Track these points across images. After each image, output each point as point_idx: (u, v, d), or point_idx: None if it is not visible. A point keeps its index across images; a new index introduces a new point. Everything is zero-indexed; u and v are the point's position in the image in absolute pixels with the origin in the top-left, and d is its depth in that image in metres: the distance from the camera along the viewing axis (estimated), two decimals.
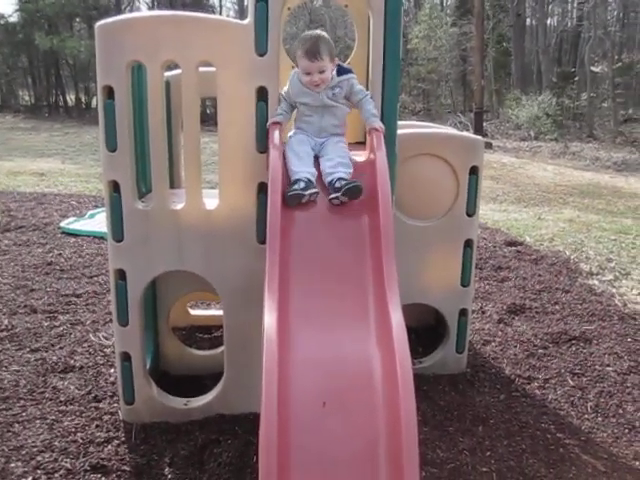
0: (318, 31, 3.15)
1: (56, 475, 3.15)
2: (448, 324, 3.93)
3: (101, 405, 3.67)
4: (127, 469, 3.17)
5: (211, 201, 3.28)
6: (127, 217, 3.23)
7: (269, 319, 2.50)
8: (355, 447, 2.36)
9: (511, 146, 19.96)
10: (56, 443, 3.37)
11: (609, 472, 3.31)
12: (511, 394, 3.94)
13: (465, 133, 4.29)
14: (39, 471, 3.18)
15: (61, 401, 3.74)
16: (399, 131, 3.30)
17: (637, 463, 3.41)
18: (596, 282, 5.97)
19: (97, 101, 3.19)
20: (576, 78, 28.03)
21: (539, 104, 24.50)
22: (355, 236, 2.80)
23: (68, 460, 3.24)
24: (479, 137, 3.98)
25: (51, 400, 3.75)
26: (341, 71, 3.14)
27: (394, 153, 3.22)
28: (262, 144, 3.14)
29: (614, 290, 5.81)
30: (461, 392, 3.87)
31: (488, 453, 3.37)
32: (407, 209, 3.76)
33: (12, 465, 3.22)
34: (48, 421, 3.56)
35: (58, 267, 5.99)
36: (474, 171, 3.79)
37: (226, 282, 3.31)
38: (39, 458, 3.26)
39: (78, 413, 3.61)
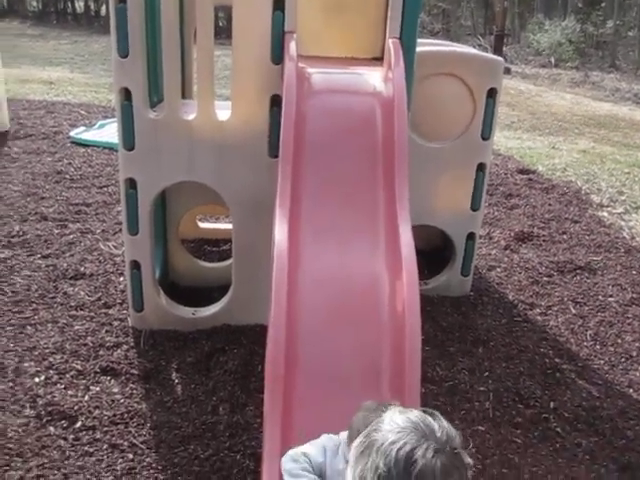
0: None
1: (67, 376, 3.26)
2: (455, 247, 3.95)
3: (111, 311, 3.76)
4: (135, 373, 3.27)
5: (223, 113, 3.24)
6: (138, 126, 3.20)
7: (280, 233, 2.52)
8: (360, 362, 2.42)
9: (530, 72, 19.45)
10: (67, 346, 3.47)
11: (603, 397, 3.40)
12: (513, 319, 4.00)
13: (485, 54, 4.17)
14: (51, 371, 3.29)
15: (72, 306, 3.82)
16: (417, 48, 3.21)
17: (631, 390, 3.49)
18: (606, 214, 5.95)
19: (107, 8, 3.10)
20: (603, 4, 26.97)
21: (562, 30, 23.67)
22: (369, 153, 2.77)
23: (79, 362, 3.35)
24: (499, 58, 3.87)
25: (62, 305, 3.84)
26: None
27: (412, 71, 3.14)
28: (277, 55, 3.06)
29: (623, 223, 5.79)
30: (464, 314, 3.94)
31: (486, 374, 3.46)
32: (421, 129, 3.70)
33: (25, 364, 3.33)
34: (59, 325, 3.65)
35: (68, 176, 5.99)
36: (492, 94, 3.70)
37: (236, 195, 3.32)
38: (51, 359, 3.37)
39: (88, 318, 3.70)
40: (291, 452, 1.99)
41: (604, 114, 12.51)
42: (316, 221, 2.62)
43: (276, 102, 3.10)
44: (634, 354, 3.81)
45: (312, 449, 1.99)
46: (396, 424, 1.39)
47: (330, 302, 2.48)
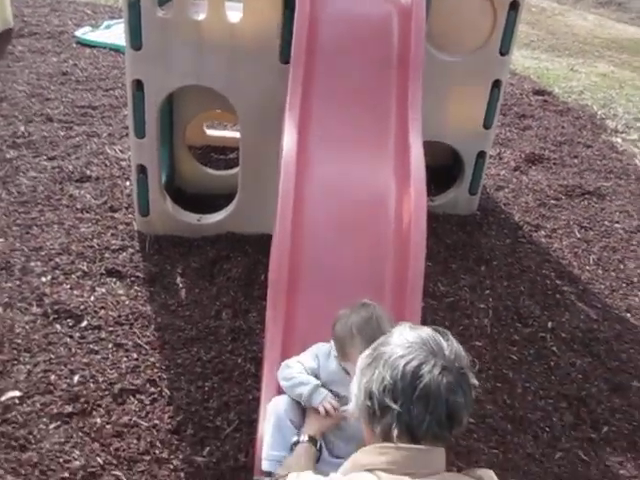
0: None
1: (73, 276, 3.30)
2: (464, 165, 3.90)
3: (116, 215, 3.76)
4: (141, 276, 3.31)
5: (235, 14, 3.12)
6: (146, 24, 3.09)
7: (288, 140, 2.48)
8: (363, 273, 2.43)
9: None
10: (73, 247, 3.50)
11: (600, 321, 3.45)
12: (517, 239, 4.00)
13: None
14: (57, 271, 3.33)
15: (77, 209, 3.83)
16: None
17: (629, 315, 3.53)
18: (619, 140, 5.83)
19: None
20: None
21: None
22: (384, 61, 2.68)
23: (85, 263, 3.39)
24: None
25: (68, 207, 3.84)
26: None
27: None
28: None
29: (636, 150, 5.69)
30: (468, 233, 3.93)
31: (487, 292, 3.49)
32: (438, 41, 3.57)
33: (32, 264, 3.37)
34: (65, 226, 3.67)
35: (73, 78, 5.86)
36: (514, 6, 3.55)
37: (245, 101, 3.25)
38: (57, 260, 3.41)
39: (94, 221, 3.72)
40: (285, 362, 2.09)
41: (627, 37, 12.08)
42: (326, 129, 2.57)
43: (289, 5, 2.98)
44: (635, 280, 3.83)
45: (304, 357, 2.10)
46: (405, 339, 1.39)
47: (336, 212, 2.47)
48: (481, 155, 3.89)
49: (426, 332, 1.41)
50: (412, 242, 2.30)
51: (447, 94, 3.68)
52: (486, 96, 3.72)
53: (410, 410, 1.31)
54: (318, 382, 1.99)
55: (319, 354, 2.08)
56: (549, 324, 3.35)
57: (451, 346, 1.39)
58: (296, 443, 1.90)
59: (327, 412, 1.92)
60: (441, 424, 1.33)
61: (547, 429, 2.78)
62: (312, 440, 1.90)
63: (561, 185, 4.72)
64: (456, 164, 4.11)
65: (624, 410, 2.91)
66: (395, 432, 1.32)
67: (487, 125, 3.80)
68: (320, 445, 1.94)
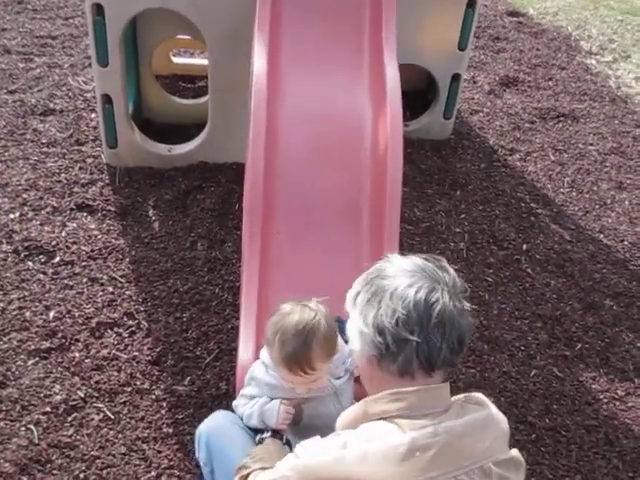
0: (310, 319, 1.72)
1: (42, 212, 3.22)
2: (439, 89, 3.83)
3: (83, 149, 3.65)
4: (112, 209, 3.24)
5: None
6: None
7: (259, 63, 2.39)
8: (339, 201, 2.40)
9: None
10: (40, 182, 3.40)
11: (574, 241, 3.49)
12: (492, 163, 3.98)
13: None
14: (26, 207, 3.24)
15: (43, 143, 3.70)
16: None
17: (602, 236, 3.57)
18: (594, 62, 5.77)
19: None
20: None
21: None
22: None
23: (53, 199, 3.30)
24: None
25: (32, 142, 3.71)
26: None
27: None
28: None
29: (610, 72, 5.63)
30: (443, 158, 3.90)
31: (463, 216, 3.49)
32: None
33: None
34: (31, 162, 3.55)
35: (30, 6, 5.56)
36: None
37: (212, 25, 3.11)
38: (25, 196, 3.31)
39: (60, 155, 3.60)
40: (233, 403, 1.94)
41: None
42: (297, 51, 2.49)
43: None
44: (608, 202, 3.85)
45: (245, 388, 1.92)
46: (404, 269, 1.36)
47: (311, 137, 2.42)
48: (456, 78, 3.81)
49: (421, 260, 1.38)
50: (389, 165, 2.27)
51: (421, 15, 3.56)
52: (461, 16, 3.61)
53: (428, 339, 1.28)
54: (259, 400, 1.83)
55: (254, 375, 1.88)
56: (524, 246, 3.37)
57: (449, 272, 1.37)
58: (261, 440, 1.78)
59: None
60: (454, 350, 1.32)
61: (522, 348, 2.84)
62: (276, 434, 1.79)
63: (535, 108, 4.68)
64: (430, 88, 4.03)
65: (597, 328, 2.98)
66: (415, 364, 1.29)
67: (462, 47, 3.70)
68: (287, 439, 1.81)
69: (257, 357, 1.97)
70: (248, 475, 1.56)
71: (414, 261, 1.38)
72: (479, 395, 1.43)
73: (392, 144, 2.29)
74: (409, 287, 1.31)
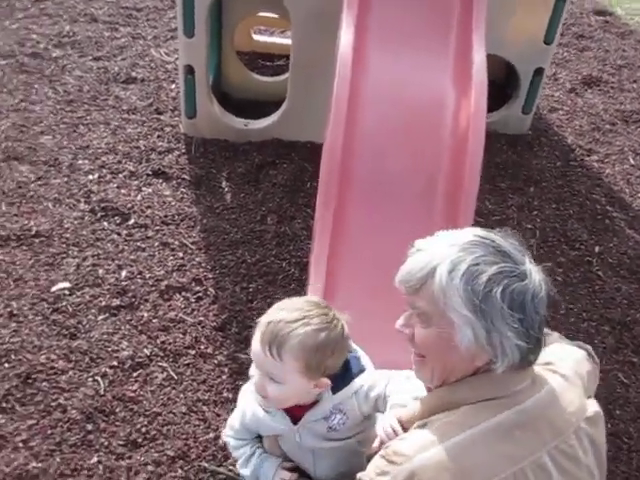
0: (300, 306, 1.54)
1: (120, 176, 3.32)
2: (520, 82, 3.75)
3: (162, 117, 3.73)
4: (186, 178, 3.31)
5: None
6: None
7: (345, 41, 2.39)
8: (416, 183, 2.38)
9: None
10: (119, 147, 3.50)
11: None
12: (568, 162, 3.88)
13: None
14: (104, 170, 3.35)
15: (124, 110, 3.80)
16: None
17: None
18: None
19: None
20: None
21: None
22: None
23: (131, 163, 3.39)
24: None
25: (114, 108, 3.82)
26: (344, 376, 1.60)
27: None
28: None
29: None
30: (519, 153, 3.83)
31: (535, 212, 3.42)
32: None
33: (79, 162, 3.39)
34: (111, 127, 3.66)
35: None
36: None
37: (299, 1, 3.12)
38: (104, 159, 3.42)
39: (140, 122, 3.70)
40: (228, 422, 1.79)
41: None
42: (384, 31, 2.47)
43: None
44: None
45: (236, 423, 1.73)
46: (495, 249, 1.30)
47: (391, 119, 2.40)
48: (539, 72, 3.72)
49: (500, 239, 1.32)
50: (469, 150, 2.24)
51: (509, 5, 3.49)
52: (550, 9, 3.52)
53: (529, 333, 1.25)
54: (255, 454, 1.69)
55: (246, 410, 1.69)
56: (596, 248, 3.28)
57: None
58: None
59: None
60: (543, 325, 1.29)
61: None
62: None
63: (618, 110, 4.53)
64: (511, 81, 3.95)
65: None
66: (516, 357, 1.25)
67: (548, 40, 3.61)
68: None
69: None
70: None
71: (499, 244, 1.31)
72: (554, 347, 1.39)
73: (474, 129, 2.27)
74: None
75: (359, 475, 1.30)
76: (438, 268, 1.26)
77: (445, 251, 1.28)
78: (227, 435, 1.76)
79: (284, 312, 1.51)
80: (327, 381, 1.53)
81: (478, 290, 1.22)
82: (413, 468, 1.19)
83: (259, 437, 1.72)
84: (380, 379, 1.57)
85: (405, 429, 1.38)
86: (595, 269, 3.17)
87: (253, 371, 1.58)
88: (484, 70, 2.39)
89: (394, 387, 1.53)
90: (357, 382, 1.57)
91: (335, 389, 1.56)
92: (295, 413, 1.59)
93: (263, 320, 1.52)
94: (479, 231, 1.34)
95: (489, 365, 1.26)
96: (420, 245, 1.35)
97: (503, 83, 4.11)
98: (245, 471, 1.70)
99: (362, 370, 1.59)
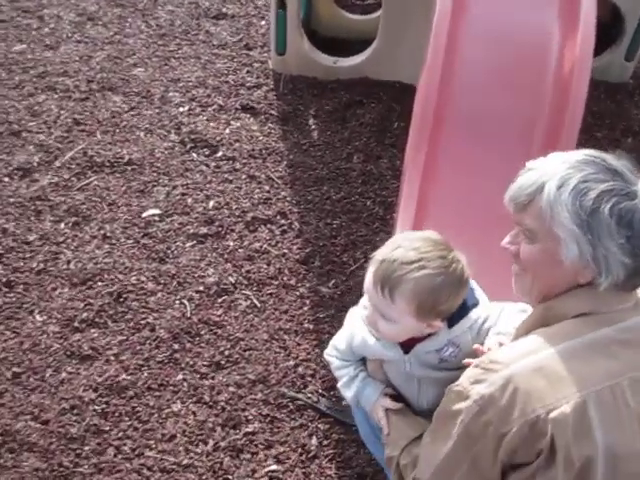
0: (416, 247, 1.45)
1: (209, 109, 3.36)
2: (626, 25, 3.53)
3: (252, 53, 3.74)
4: (274, 113, 3.33)
5: None
6: None
7: None
8: (514, 125, 2.30)
9: None
10: (209, 81, 3.54)
11: None
12: None
13: None
14: (194, 103, 3.40)
15: (214, 45, 3.83)
16: None
17: None
18: None
19: None
20: None
21: None
22: None
23: (220, 98, 3.43)
24: None
25: (204, 43, 3.85)
26: (462, 309, 1.54)
27: None
28: None
29: None
30: (618, 102, 3.63)
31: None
32: None
33: (170, 94, 3.45)
34: (202, 61, 3.70)
35: None
36: None
37: None
38: (194, 92, 3.47)
39: (229, 58, 3.71)
40: (332, 343, 1.74)
41: None
42: None
43: None
44: None
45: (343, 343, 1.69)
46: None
47: (492, 58, 2.31)
48: None
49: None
50: (572, 94, 2.14)
51: None
52: None
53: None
54: (359, 376, 1.66)
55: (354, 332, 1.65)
56: None
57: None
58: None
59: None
60: None
61: None
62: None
63: None
64: (615, 25, 3.72)
65: None
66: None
67: None
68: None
69: None
70: (397, 465, 1.48)
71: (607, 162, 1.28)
72: None
73: (578, 74, 2.16)
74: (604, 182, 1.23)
75: (450, 387, 1.32)
76: (547, 184, 1.26)
77: (555, 168, 1.27)
78: (330, 355, 1.73)
79: (400, 250, 1.43)
80: (440, 324, 1.49)
81: (586, 206, 1.21)
82: (509, 374, 1.21)
83: (363, 359, 1.70)
84: (494, 311, 1.54)
85: None
86: None
87: (366, 302, 1.55)
88: (593, 11, 2.26)
89: (506, 318, 1.50)
90: (472, 316, 1.52)
91: (451, 323, 1.51)
92: (407, 343, 1.55)
93: (377, 256, 1.46)
94: (591, 151, 1.32)
95: (592, 282, 1.25)
96: (532, 165, 1.34)
97: (606, 27, 3.88)
98: (347, 392, 1.67)
99: (476, 303, 1.54)
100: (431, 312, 1.45)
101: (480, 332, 1.53)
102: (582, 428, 1.17)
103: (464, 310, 1.52)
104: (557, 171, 1.26)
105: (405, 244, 1.45)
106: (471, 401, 1.23)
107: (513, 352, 1.25)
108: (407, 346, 1.55)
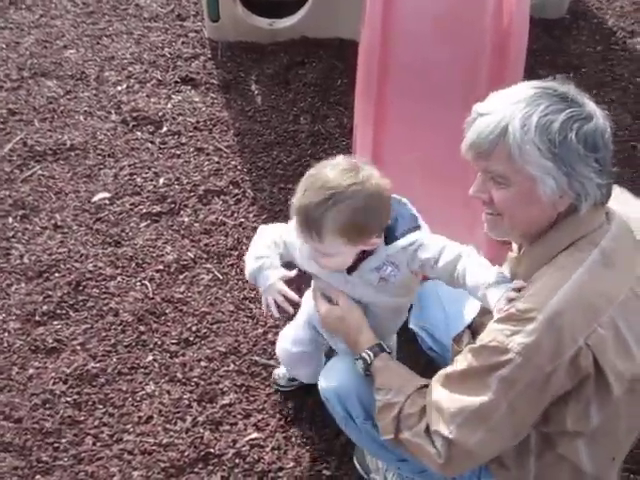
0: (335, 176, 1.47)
1: (148, 85, 3.28)
2: None
3: (185, 23, 3.63)
4: (215, 83, 3.26)
5: None
6: None
7: None
8: (456, 73, 2.30)
9: None
10: (145, 56, 3.44)
11: None
12: (609, 46, 3.70)
13: None
14: (132, 80, 3.30)
15: (145, 18, 3.71)
16: None
17: None
18: None
19: None
20: None
21: None
22: None
23: (158, 72, 3.34)
24: None
25: (135, 17, 3.72)
26: (397, 228, 1.57)
27: None
28: None
29: None
30: (556, 38, 3.66)
31: None
32: None
33: (106, 74, 3.34)
34: (135, 36, 3.58)
35: None
36: None
37: None
38: (130, 69, 3.37)
39: (163, 30, 3.61)
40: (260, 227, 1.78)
41: None
42: None
43: None
44: None
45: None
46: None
47: (430, 5, 2.30)
48: None
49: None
50: (513, 31, 2.17)
51: None
52: None
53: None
54: (268, 260, 1.65)
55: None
56: None
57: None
58: (367, 366, 1.55)
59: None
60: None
61: None
62: (376, 348, 1.56)
63: None
64: None
65: None
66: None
67: None
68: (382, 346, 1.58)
69: None
70: (400, 412, 1.43)
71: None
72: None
73: (518, 10, 2.17)
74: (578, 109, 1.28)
75: (475, 345, 1.33)
76: (509, 126, 1.27)
77: (511, 109, 1.28)
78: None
79: (310, 193, 1.46)
80: (377, 240, 1.53)
81: (554, 138, 1.25)
82: (548, 316, 1.24)
83: None
84: (433, 244, 1.54)
85: None
86: (639, 154, 3.08)
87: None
88: None
89: (467, 266, 1.49)
90: (410, 237, 1.54)
91: (389, 240, 1.55)
92: (355, 263, 1.59)
93: (294, 205, 1.49)
94: (536, 83, 1.34)
95: (570, 209, 1.31)
96: (481, 109, 1.34)
97: None
98: (249, 266, 1.67)
99: (417, 227, 1.57)
100: (362, 235, 1.49)
101: (415, 258, 1.55)
102: (619, 343, 1.27)
103: (400, 230, 1.55)
104: (515, 111, 1.27)
105: (312, 185, 1.47)
106: (513, 353, 1.25)
107: (538, 296, 1.28)
108: (349, 268, 1.59)
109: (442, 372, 1.40)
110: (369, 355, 1.53)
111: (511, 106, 1.28)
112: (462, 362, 1.35)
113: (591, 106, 1.30)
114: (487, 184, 1.36)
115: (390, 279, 1.58)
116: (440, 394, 1.36)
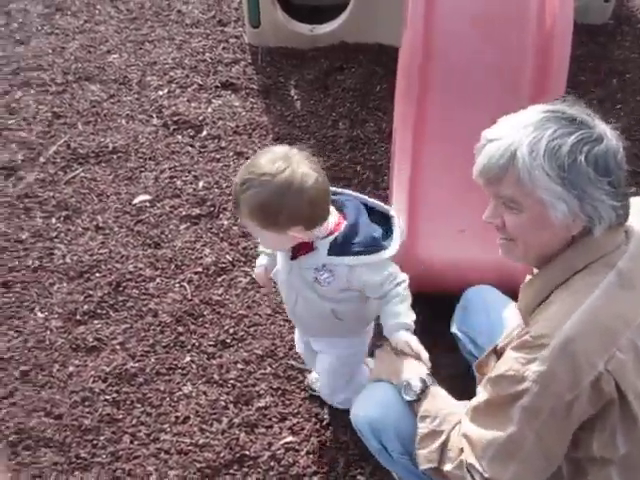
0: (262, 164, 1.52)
1: (189, 89, 3.32)
2: None
3: (226, 29, 3.67)
4: (255, 87, 3.28)
5: None
6: None
7: None
8: (500, 79, 2.28)
9: None
10: (186, 61, 3.48)
11: None
12: None
13: None
14: (173, 85, 3.35)
15: (187, 24, 3.76)
16: None
17: None
18: None
19: None
20: None
21: None
22: None
23: (199, 77, 3.38)
24: None
25: (177, 23, 3.78)
26: (347, 238, 1.59)
27: None
28: None
29: None
30: (600, 44, 3.60)
31: (619, 106, 3.25)
32: None
33: (148, 78, 3.40)
34: (176, 42, 3.64)
35: None
36: None
37: None
38: (172, 74, 3.42)
39: (204, 36, 3.65)
40: None
41: None
42: None
43: None
44: None
45: None
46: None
47: (474, 10, 2.28)
48: None
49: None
50: (557, 37, 2.14)
51: None
52: None
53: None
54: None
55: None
56: None
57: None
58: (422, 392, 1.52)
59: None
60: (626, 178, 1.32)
61: None
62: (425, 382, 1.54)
63: None
64: None
65: None
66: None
67: None
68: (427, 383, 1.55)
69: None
70: (446, 441, 1.41)
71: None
72: None
73: (561, 15, 2.14)
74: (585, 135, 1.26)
75: (492, 375, 1.33)
76: (518, 151, 1.26)
77: (520, 134, 1.27)
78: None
79: (239, 174, 1.55)
80: (302, 234, 1.56)
81: (562, 163, 1.23)
82: (561, 342, 1.22)
83: None
84: (378, 274, 1.62)
85: None
86: None
87: None
88: None
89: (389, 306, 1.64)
90: (364, 259, 1.58)
91: (332, 251, 1.59)
92: (296, 253, 1.64)
93: None
94: (544, 106, 1.32)
95: (584, 231, 1.29)
96: (490, 135, 1.33)
97: None
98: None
99: (378, 248, 1.59)
100: (276, 223, 1.52)
101: (360, 283, 1.62)
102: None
103: (351, 248, 1.58)
104: (523, 136, 1.26)
105: (246, 167, 1.54)
106: (529, 382, 1.24)
107: (552, 321, 1.26)
108: (294, 256, 1.65)
109: (470, 404, 1.40)
110: (427, 380, 1.53)
111: (520, 131, 1.27)
112: (483, 394, 1.35)
113: (602, 127, 1.28)
114: (499, 209, 1.35)
115: (323, 284, 1.63)
116: (469, 428, 1.36)
